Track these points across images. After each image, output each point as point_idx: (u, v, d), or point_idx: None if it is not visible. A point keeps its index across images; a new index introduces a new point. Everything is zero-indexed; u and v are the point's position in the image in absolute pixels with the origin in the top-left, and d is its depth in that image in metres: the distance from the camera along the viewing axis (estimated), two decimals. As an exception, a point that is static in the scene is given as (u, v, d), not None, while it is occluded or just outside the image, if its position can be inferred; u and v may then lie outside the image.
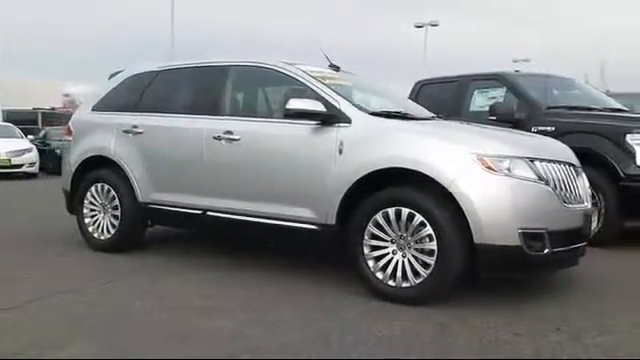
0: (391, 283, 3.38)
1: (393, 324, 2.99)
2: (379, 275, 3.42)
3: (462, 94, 6.65)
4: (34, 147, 14.18)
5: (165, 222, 4.84)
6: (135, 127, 4.63)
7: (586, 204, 3.60)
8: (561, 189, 3.39)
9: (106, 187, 4.75)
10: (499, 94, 6.30)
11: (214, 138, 4.15)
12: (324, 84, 3.90)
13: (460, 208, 3.18)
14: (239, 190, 4.07)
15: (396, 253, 3.39)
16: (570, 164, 3.59)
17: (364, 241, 3.46)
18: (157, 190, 4.50)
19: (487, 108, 6.02)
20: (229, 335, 2.84)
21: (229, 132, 4.09)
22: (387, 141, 3.51)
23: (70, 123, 5.28)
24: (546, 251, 3.24)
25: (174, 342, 2.74)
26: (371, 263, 3.45)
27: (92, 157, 4.86)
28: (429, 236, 3.26)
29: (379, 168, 3.43)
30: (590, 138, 5.21)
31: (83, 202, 4.88)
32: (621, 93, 8.69)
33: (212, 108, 4.30)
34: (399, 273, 3.35)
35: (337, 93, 3.81)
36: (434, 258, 3.24)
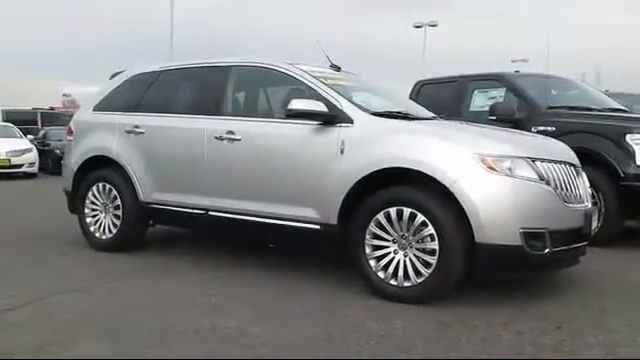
0: (393, 282, 3.39)
1: (395, 323, 3.01)
2: (381, 274, 3.43)
3: (462, 94, 6.67)
4: (34, 147, 14.18)
5: (167, 222, 4.85)
6: (137, 127, 4.64)
7: (586, 204, 3.62)
8: (562, 189, 3.41)
9: (108, 187, 4.77)
10: (499, 94, 6.32)
11: (216, 138, 4.16)
12: (326, 84, 3.91)
13: (461, 208, 3.20)
14: (241, 190, 4.08)
15: (398, 252, 3.40)
16: (570, 164, 3.61)
17: (366, 241, 3.48)
18: (159, 190, 4.51)
19: (487, 108, 6.03)
20: (233, 333, 2.86)
21: (231, 132, 4.11)
22: (389, 141, 3.52)
23: (71, 123, 5.29)
24: (547, 250, 3.26)
25: (180, 340, 2.75)
26: (373, 262, 3.47)
27: (94, 157, 4.88)
28: (430, 236, 3.27)
29: (381, 168, 3.45)
30: (590, 138, 5.23)
31: (85, 202, 4.89)
32: (620, 93, 8.71)
33: (214, 108, 4.32)
34: (401, 272, 3.37)
35: (339, 93, 3.83)
36: (435, 257, 3.26)
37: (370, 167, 3.48)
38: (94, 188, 4.84)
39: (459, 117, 5.75)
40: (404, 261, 3.37)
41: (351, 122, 3.66)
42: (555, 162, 3.46)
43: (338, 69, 4.47)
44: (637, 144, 5.06)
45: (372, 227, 3.45)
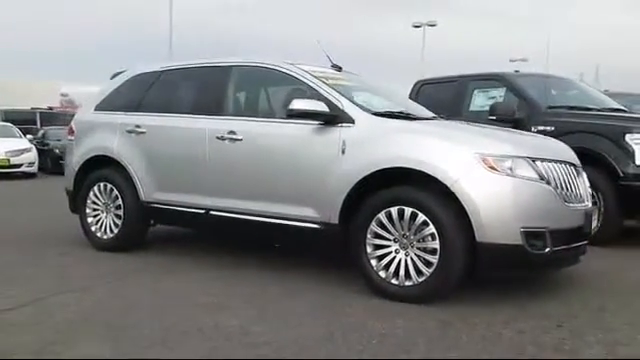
0: (394, 281, 3.41)
1: (396, 322, 3.02)
2: (382, 274, 3.45)
3: (462, 94, 6.68)
4: (33, 147, 14.17)
5: (168, 221, 4.86)
6: (138, 127, 4.65)
7: (587, 203, 3.64)
8: (562, 188, 3.43)
9: (109, 186, 4.77)
10: (499, 94, 6.33)
11: (217, 138, 4.17)
12: (327, 84, 3.92)
13: (462, 207, 3.21)
14: (242, 190, 4.09)
15: (399, 252, 3.42)
16: (571, 164, 3.63)
17: (367, 240, 3.49)
18: (160, 189, 4.52)
19: (487, 108, 6.05)
20: (236, 332, 2.87)
21: (232, 132, 4.12)
22: (390, 141, 3.54)
23: (72, 123, 5.30)
24: (547, 250, 3.27)
25: (182, 339, 2.76)
26: (374, 262, 3.48)
27: (95, 157, 4.89)
28: (432, 235, 3.29)
29: (382, 168, 3.46)
30: (590, 138, 5.25)
31: (86, 201, 4.90)
32: (619, 93, 8.73)
33: (215, 108, 4.33)
34: (402, 272, 3.38)
35: (340, 93, 3.84)
36: (436, 257, 3.27)
37: (371, 167, 3.49)
38: (95, 188, 4.85)
39: (459, 117, 5.76)
40: (405, 260, 3.38)
41: (352, 122, 3.67)
42: (555, 162, 3.47)
43: (339, 69, 4.48)
44: (636, 144, 5.07)
45: (373, 226, 3.47)
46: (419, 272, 3.33)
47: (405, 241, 3.39)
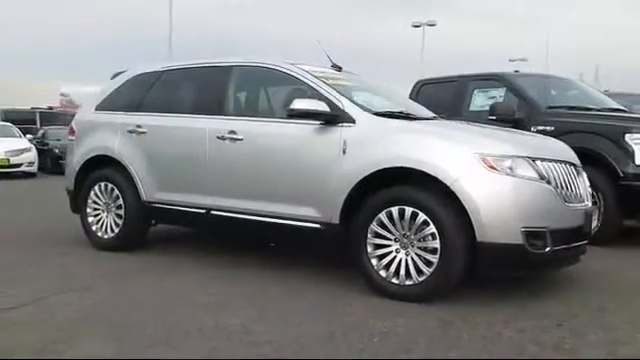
0: (394, 281, 3.42)
1: (397, 321, 3.03)
2: (382, 273, 3.46)
3: (462, 94, 6.69)
4: (33, 147, 14.18)
5: (169, 221, 4.87)
6: (139, 127, 4.66)
7: (587, 203, 3.65)
8: (562, 188, 3.44)
9: (110, 186, 4.78)
10: (499, 94, 6.35)
11: (218, 138, 4.18)
12: (327, 84, 3.93)
13: (463, 207, 3.22)
14: (243, 189, 4.10)
15: (399, 251, 3.43)
16: (571, 163, 3.64)
17: (368, 240, 3.50)
18: (161, 189, 4.53)
19: (487, 108, 6.06)
20: (237, 331, 2.88)
21: (233, 132, 4.13)
22: (391, 141, 3.55)
23: (73, 123, 5.31)
24: (548, 249, 3.28)
25: (184, 339, 2.77)
26: (375, 261, 3.49)
27: (96, 156, 4.89)
28: (432, 234, 3.30)
29: (383, 168, 3.47)
30: (589, 138, 5.26)
31: (87, 201, 4.90)
32: (619, 93, 8.74)
33: (216, 108, 4.33)
34: (402, 271, 3.39)
35: (340, 93, 3.85)
36: (437, 256, 3.28)
37: (372, 167, 3.50)
38: (96, 188, 4.86)
39: (459, 117, 5.77)
40: (406, 260, 3.39)
41: (353, 122, 3.68)
42: (555, 161, 3.48)
43: (339, 69, 4.49)
44: (636, 144, 5.09)
45: (374, 226, 3.48)
46: (419, 271, 3.34)
47: (406, 241, 3.40)
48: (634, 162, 5.06)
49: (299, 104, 3.72)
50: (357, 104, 3.80)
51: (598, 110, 5.94)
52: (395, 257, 3.43)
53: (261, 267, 4.23)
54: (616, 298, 3.58)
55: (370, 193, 3.53)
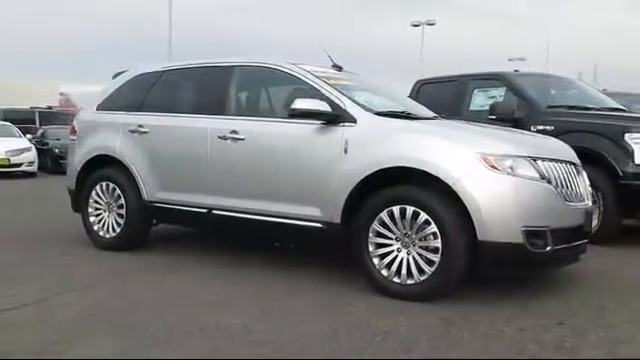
0: (396, 280, 3.43)
1: (398, 320, 3.04)
2: (384, 272, 3.47)
3: (462, 93, 6.70)
4: (33, 146, 14.18)
5: (170, 221, 4.88)
6: (140, 126, 4.67)
7: (587, 202, 3.67)
8: (563, 187, 3.45)
9: (111, 186, 4.79)
10: (499, 93, 6.36)
11: (219, 138, 4.19)
12: (329, 84, 3.94)
13: (464, 206, 3.24)
14: (244, 189, 4.11)
15: (401, 251, 3.44)
16: (571, 163, 3.66)
17: (369, 239, 3.51)
18: (162, 189, 4.54)
19: (487, 107, 6.07)
20: (239, 330, 2.89)
21: (234, 132, 4.14)
22: (392, 141, 3.56)
23: (75, 122, 5.32)
24: (548, 248, 3.30)
25: (186, 338, 2.78)
26: (376, 261, 3.50)
27: (97, 156, 4.90)
28: (433, 234, 3.31)
29: (384, 167, 3.48)
30: (589, 137, 5.27)
31: (88, 201, 4.91)
32: (618, 93, 8.76)
33: (217, 108, 4.34)
34: (404, 270, 3.41)
35: (341, 93, 3.86)
36: (438, 255, 3.30)
37: (373, 166, 3.51)
38: (98, 187, 4.87)
39: (459, 116, 5.78)
40: (407, 259, 3.41)
41: (354, 122, 3.69)
42: (556, 161, 3.50)
43: (340, 69, 4.51)
44: (636, 143, 5.10)
45: (375, 225, 3.49)
46: (421, 271, 3.35)
47: (407, 240, 3.42)
48: (634, 161, 5.08)
49: (301, 104, 3.73)
50: (358, 104, 3.81)
51: (598, 110, 5.95)
52: (397, 256, 3.44)
53: (263, 266, 4.24)
54: (616, 297, 3.60)
55: (371, 193, 3.54)
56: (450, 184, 3.27)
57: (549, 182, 3.37)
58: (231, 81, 4.38)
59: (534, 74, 7.09)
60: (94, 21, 79.24)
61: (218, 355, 2.59)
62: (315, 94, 3.87)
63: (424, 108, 4.73)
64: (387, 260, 3.47)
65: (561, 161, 3.55)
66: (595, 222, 4.85)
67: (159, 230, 5.09)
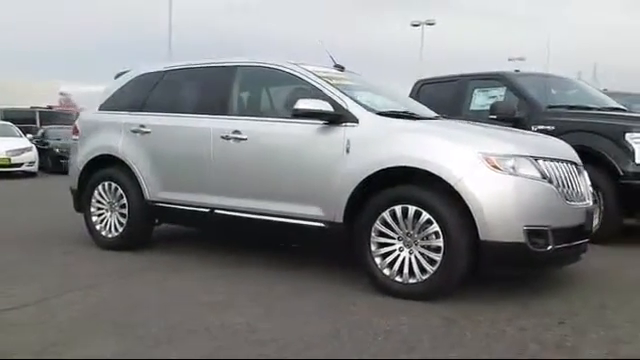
0: (398, 279, 3.45)
1: (400, 319, 3.06)
2: (386, 272, 3.48)
3: (462, 93, 6.72)
4: (33, 146, 14.18)
5: (172, 220, 4.89)
6: (143, 126, 4.68)
7: (588, 201, 3.69)
8: (564, 187, 3.47)
9: (113, 186, 4.80)
10: (499, 93, 6.38)
11: (222, 137, 4.21)
12: (331, 84, 3.96)
13: (466, 206, 3.25)
14: (247, 189, 4.12)
15: (403, 250, 3.46)
16: (572, 162, 3.67)
17: (371, 238, 3.53)
18: (165, 189, 4.55)
19: (487, 107, 6.09)
20: (242, 329, 2.90)
21: (237, 132, 4.15)
22: (394, 140, 3.58)
23: (77, 122, 5.34)
24: (549, 248, 3.31)
25: (188, 338, 2.79)
26: (378, 260, 3.52)
27: (99, 156, 4.91)
28: (435, 233, 3.33)
29: (386, 167, 3.50)
30: (590, 137, 5.29)
31: (90, 201, 4.92)
32: (618, 92, 8.78)
33: (220, 108, 4.36)
34: (406, 269, 3.42)
35: (344, 93, 3.87)
36: (440, 255, 3.31)
37: (375, 166, 3.53)
38: (100, 187, 4.88)
39: (460, 116, 5.80)
40: (409, 258, 3.42)
41: (356, 122, 3.71)
42: (557, 160, 3.52)
43: (342, 69, 4.52)
44: (636, 143, 5.12)
45: (378, 225, 3.50)
46: (423, 270, 3.37)
47: (409, 239, 3.43)
48: (634, 161, 5.09)
49: (303, 104, 3.75)
50: (360, 104, 3.82)
51: (598, 109, 5.97)
52: (399, 256, 3.46)
53: (265, 266, 4.25)
54: (617, 296, 3.61)
55: (374, 192, 3.55)
56: (452, 184, 3.29)
57: (550, 182, 3.38)
58: (234, 81, 4.40)
59: (534, 74, 7.11)
60: (94, 21, 79.27)
61: (222, 354, 2.60)
62: (317, 94, 3.89)
63: (425, 108, 4.75)
64: (389, 259, 3.48)
65: (562, 160, 3.56)
66: (596, 221, 4.87)
67: (161, 230, 5.11)
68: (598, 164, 5.10)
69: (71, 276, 3.96)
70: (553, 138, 4.22)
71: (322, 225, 3.74)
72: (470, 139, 3.56)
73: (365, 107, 3.80)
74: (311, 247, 4.50)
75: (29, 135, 15.29)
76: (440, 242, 3.31)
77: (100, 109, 5.16)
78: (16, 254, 4.64)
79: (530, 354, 2.65)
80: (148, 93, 4.86)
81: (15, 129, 14.97)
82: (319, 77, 4.03)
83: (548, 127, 5.52)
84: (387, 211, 3.47)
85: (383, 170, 3.51)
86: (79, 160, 5.07)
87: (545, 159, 3.44)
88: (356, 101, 3.83)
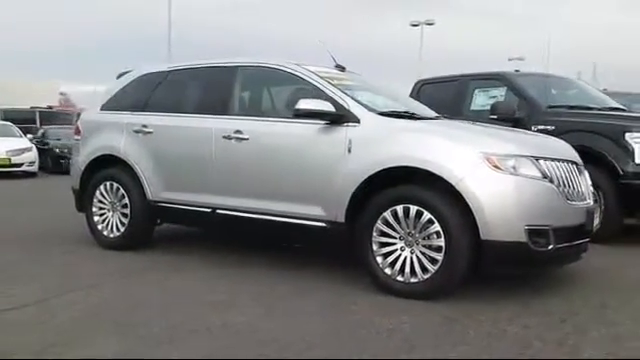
0: (399, 279, 3.46)
1: (402, 318, 3.07)
2: (388, 271, 3.50)
3: (463, 93, 6.73)
4: (33, 146, 14.19)
5: (174, 220, 4.90)
6: (145, 127, 4.69)
7: (589, 201, 3.70)
8: (564, 187, 3.48)
9: (115, 186, 4.81)
10: (500, 93, 6.39)
11: (224, 137, 4.21)
12: (332, 84, 3.97)
13: (467, 206, 3.26)
14: (248, 188, 4.13)
15: (404, 249, 3.47)
16: (573, 162, 3.69)
17: (373, 238, 3.54)
18: (166, 188, 4.56)
19: (488, 107, 6.10)
20: (244, 329, 2.91)
21: (239, 132, 4.16)
22: (395, 140, 3.59)
23: (79, 122, 5.35)
24: (550, 247, 3.32)
25: (190, 337, 2.80)
26: (380, 259, 3.53)
27: (101, 156, 4.92)
28: (437, 233, 3.34)
29: (387, 167, 3.51)
30: (590, 137, 5.30)
31: (92, 200, 4.93)
32: (618, 92, 8.79)
33: (221, 108, 4.37)
34: (407, 269, 3.43)
35: (345, 93, 3.89)
36: (442, 254, 3.32)
37: (377, 166, 3.54)
38: (102, 187, 4.89)
39: (460, 116, 5.81)
40: (411, 258, 3.43)
41: (358, 122, 3.72)
42: (558, 160, 3.53)
43: (343, 69, 4.53)
44: (636, 142, 5.13)
45: (379, 225, 3.52)
46: (424, 269, 3.38)
47: (410, 239, 3.44)
48: (634, 161, 5.10)
49: (305, 104, 3.76)
50: (362, 104, 3.84)
51: (598, 109, 5.98)
52: (400, 255, 3.47)
53: (267, 266, 4.26)
54: (617, 295, 3.63)
55: (375, 192, 3.56)
56: (453, 184, 3.30)
57: (551, 181, 3.39)
58: (235, 81, 4.41)
59: (535, 74, 7.12)
60: (94, 21, 79.22)
61: (223, 354, 2.61)
62: (319, 94, 3.90)
63: (426, 108, 4.76)
64: (390, 259, 3.49)
65: (563, 160, 3.58)
66: (596, 221, 4.87)
67: (163, 230, 5.12)
68: (598, 164, 5.11)
69: (72, 276, 3.97)
70: (553, 138, 4.23)
71: (324, 225, 3.75)
72: (471, 139, 3.57)
73: (366, 107, 3.81)
74: (313, 247, 4.51)
75: (29, 135, 15.29)
76: (441, 242, 3.32)
77: (102, 109, 5.17)
78: (16, 254, 4.65)
79: (532, 353, 2.66)
80: (150, 93, 4.87)
81: (15, 129, 14.97)
82: (320, 77, 4.04)
83: (548, 127, 5.53)
84: (389, 211, 3.48)
85: (384, 170, 3.52)
86: (81, 160, 5.08)
87: (546, 159, 3.45)
88: (357, 101, 3.85)
